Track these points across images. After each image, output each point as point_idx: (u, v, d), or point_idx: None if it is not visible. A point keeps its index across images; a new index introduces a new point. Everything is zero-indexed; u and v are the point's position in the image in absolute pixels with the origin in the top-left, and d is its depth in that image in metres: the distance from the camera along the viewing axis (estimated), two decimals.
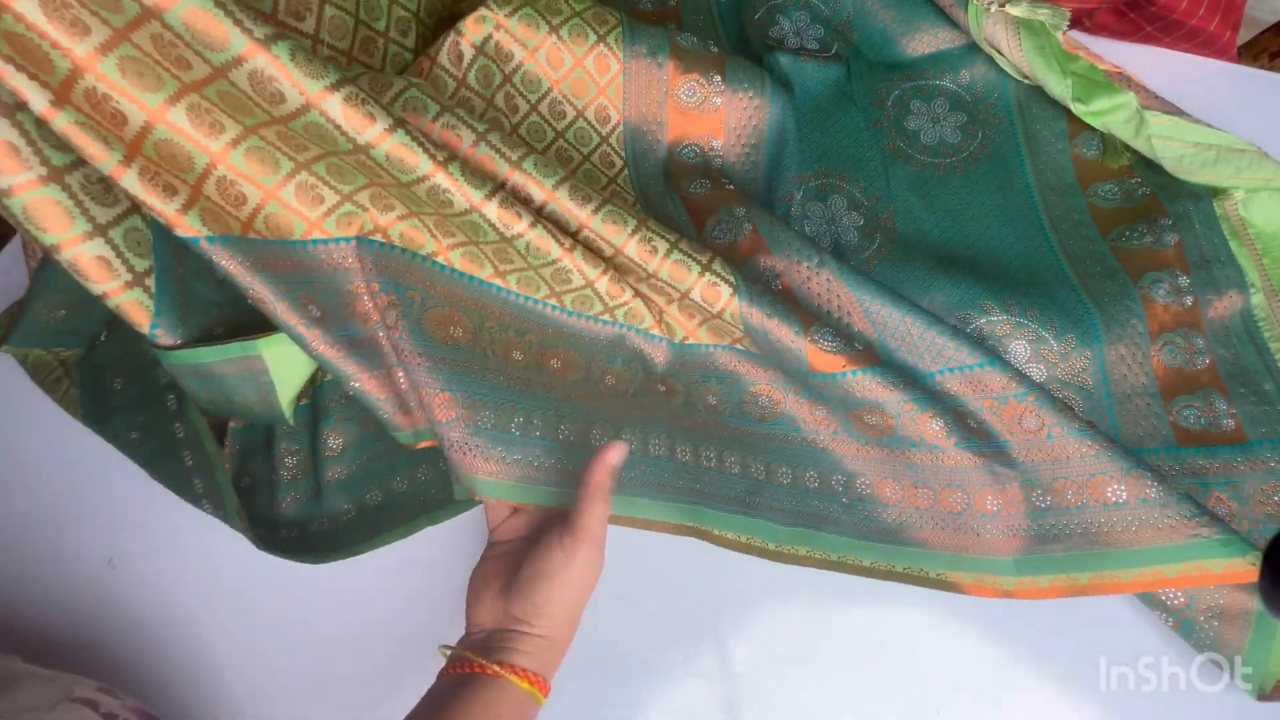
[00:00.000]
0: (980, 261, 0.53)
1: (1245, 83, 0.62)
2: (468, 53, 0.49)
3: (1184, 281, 0.50)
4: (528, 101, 0.52)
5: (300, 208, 0.41)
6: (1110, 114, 0.54)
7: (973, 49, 0.59)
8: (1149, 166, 0.55)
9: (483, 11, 0.49)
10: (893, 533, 0.47)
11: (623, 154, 0.54)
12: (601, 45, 0.53)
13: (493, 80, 0.50)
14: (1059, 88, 0.55)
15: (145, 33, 0.32)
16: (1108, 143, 0.56)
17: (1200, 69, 0.62)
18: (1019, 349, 0.49)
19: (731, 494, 0.48)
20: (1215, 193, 0.54)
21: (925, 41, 0.60)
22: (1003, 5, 0.54)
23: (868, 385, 0.46)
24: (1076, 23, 0.61)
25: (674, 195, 0.54)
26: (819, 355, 0.46)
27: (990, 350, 0.47)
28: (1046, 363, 0.49)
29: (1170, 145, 0.53)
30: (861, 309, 0.48)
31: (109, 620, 0.49)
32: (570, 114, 0.53)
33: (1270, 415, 0.48)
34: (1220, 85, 0.61)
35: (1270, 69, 0.77)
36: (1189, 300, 0.50)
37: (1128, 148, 0.55)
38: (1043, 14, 0.53)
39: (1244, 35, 0.79)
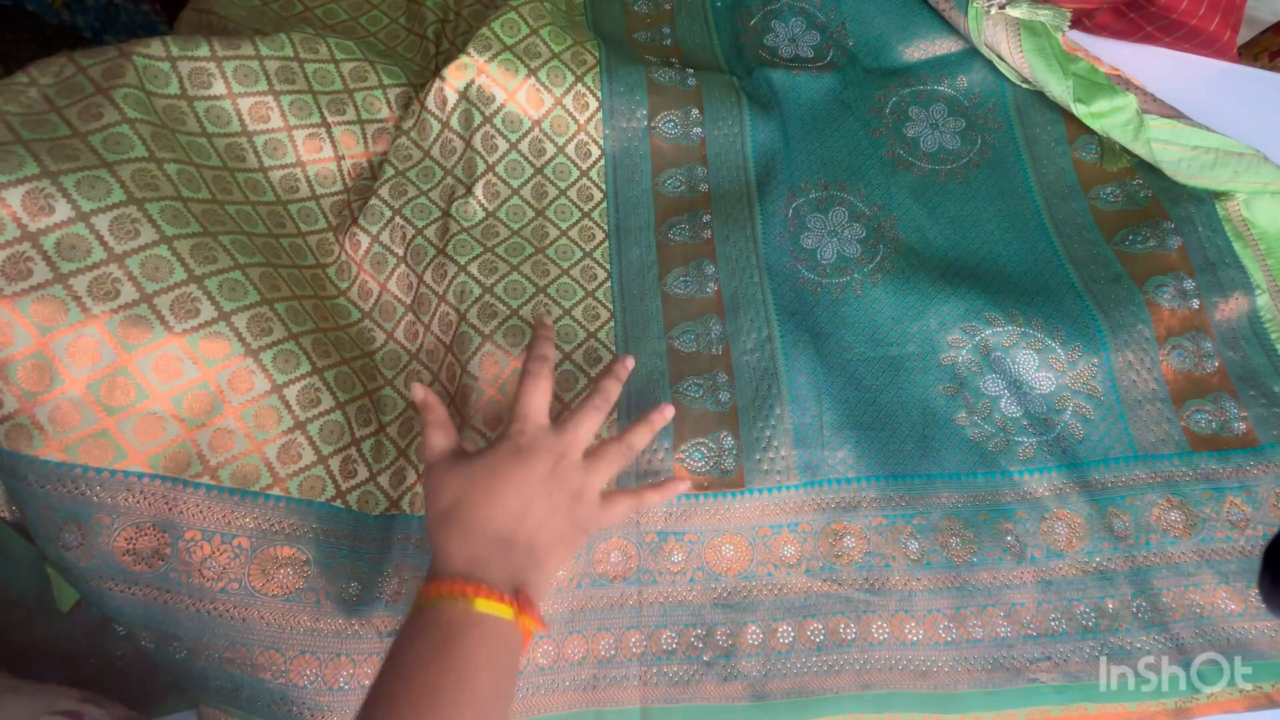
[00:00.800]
0: (985, 269, 0.53)
1: (1245, 83, 0.62)
2: (451, 98, 0.52)
3: (1189, 285, 0.50)
4: (508, 140, 0.53)
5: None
6: (1110, 116, 0.54)
7: (970, 54, 0.59)
8: (1150, 169, 0.55)
9: (464, 59, 0.51)
10: (760, 683, 0.44)
11: (604, 186, 0.54)
12: (580, 85, 0.53)
13: (472, 122, 0.52)
14: (1059, 89, 0.54)
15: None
16: (1105, 146, 0.55)
17: (1200, 69, 0.62)
18: (1027, 359, 0.49)
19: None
20: (1217, 194, 0.54)
21: (922, 47, 0.60)
22: (1002, 7, 0.54)
23: (727, 509, 0.46)
24: (1076, 23, 0.61)
25: (650, 235, 0.53)
26: (684, 474, 0.46)
27: (887, 463, 0.47)
28: (1055, 371, 0.49)
29: (1169, 149, 0.53)
30: (786, 391, 0.47)
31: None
32: (550, 150, 0.54)
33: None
34: (1220, 85, 0.61)
35: (1270, 69, 0.77)
36: (1195, 303, 0.50)
37: (1125, 151, 0.55)
38: (1043, 15, 0.53)
39: (1244, 35, 0.79)
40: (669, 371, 0.48)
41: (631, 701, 0.43)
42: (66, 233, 0.36)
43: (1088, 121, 0.55)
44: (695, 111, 0.56)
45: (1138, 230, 0.52)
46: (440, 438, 0.39)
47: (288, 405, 0.41)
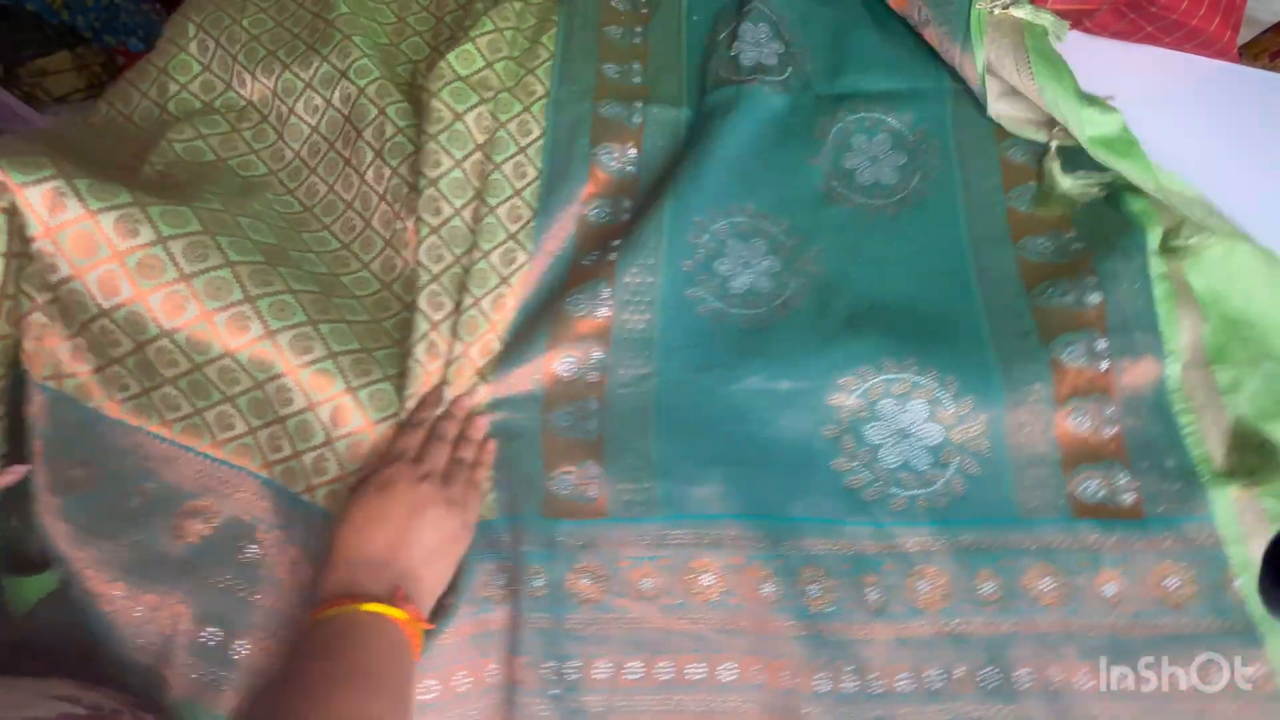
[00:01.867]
0: (895, 312, 0.52)
1: (1245, 83, 0.60)
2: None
3: (1101, 345, 0.48)
4: (452, 158, 0.54)
5: None
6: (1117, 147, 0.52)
7: (922, 93, 0.58)
8: (1087, 220, 0.52)
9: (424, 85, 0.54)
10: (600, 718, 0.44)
11: (535, 206, 0.55)
12: (526, 113, 0.56)
13: (420, 136, 0.54)
14: (1069, 111, 0.52)
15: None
16: (1043, 192, 0.54)
17: (1200, 69, 0.61)
18: (916, 409, 0.48)
19: None
20: (1166, 252, 0.51)
21: (878, 80, 0.59)
22: (1006, 8, 0.54)
23: (582, 535, 0.46)
24: (1077, 23, 0.60)
25: (569, 259, 0.54)
26: (555, 501, 0.47)
27: (754, 502, 0.47)
28: (943, 425, 0.48)
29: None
30: (655, 426, 0.48)
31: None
32: (489, 168, 0.55)
33: (1169, 493, 0.46)
34: (1220, 85, 0.59)
35: (1270, 69, 0.76)
36: (1104, 365, 0.48)
37: (1064, 197, 0.53)
38: (1044, 18, 0.53)
39: (1244, 35, 0.78)
40: (543, 397, 0.49)
41: None
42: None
43: (1091, 146, 0.52)
44: (633, 151, 0.57)
45: (1058, 284, 0.50)
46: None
47: None
